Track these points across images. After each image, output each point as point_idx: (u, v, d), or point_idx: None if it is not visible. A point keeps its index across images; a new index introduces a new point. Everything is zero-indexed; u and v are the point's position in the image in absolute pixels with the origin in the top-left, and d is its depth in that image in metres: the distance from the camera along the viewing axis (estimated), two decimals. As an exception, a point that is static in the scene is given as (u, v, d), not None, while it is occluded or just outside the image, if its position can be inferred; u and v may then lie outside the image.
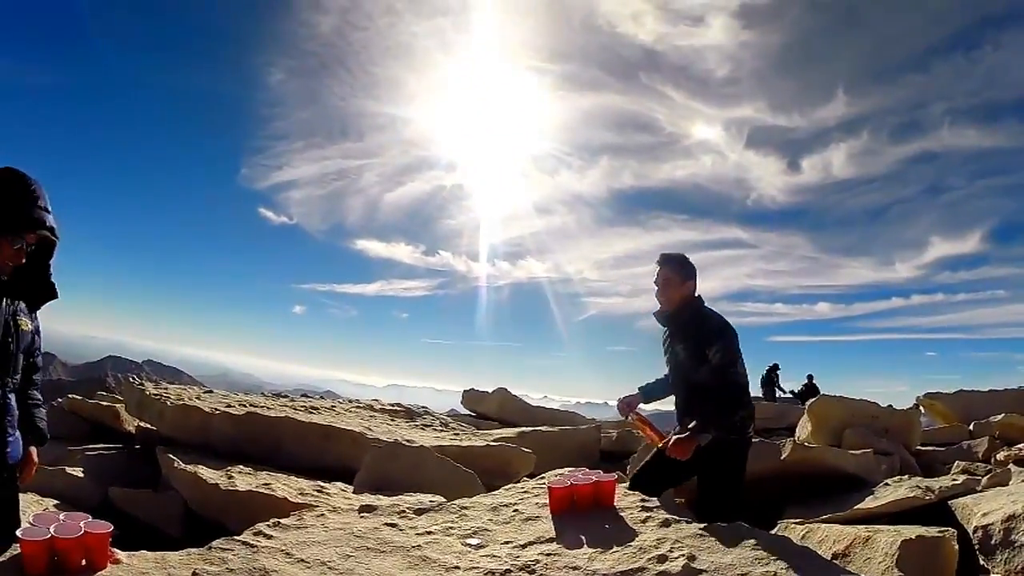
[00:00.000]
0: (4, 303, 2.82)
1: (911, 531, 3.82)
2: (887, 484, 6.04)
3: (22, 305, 2.93)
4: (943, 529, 4.06)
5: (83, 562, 2.86)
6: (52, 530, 2.80)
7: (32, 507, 5.85)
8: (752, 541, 3.11)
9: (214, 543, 3.32)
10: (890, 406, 10.96)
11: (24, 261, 2.82)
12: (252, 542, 3.33)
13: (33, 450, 3.06)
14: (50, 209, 2.84)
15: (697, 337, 4.20)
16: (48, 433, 3.20)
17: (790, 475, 6.52)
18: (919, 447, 11.07)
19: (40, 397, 3.14)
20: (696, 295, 4.37)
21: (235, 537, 3.40)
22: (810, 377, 22.95)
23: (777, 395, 23.33)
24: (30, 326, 2.96)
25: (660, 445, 4.59)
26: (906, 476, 6.43)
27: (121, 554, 3.05)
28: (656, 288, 4.39)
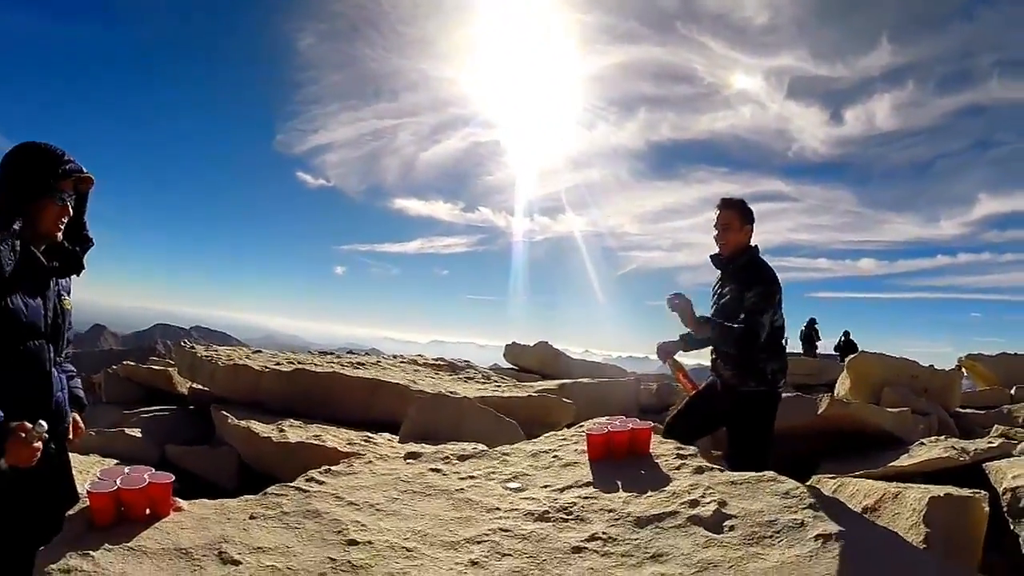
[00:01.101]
0: (52, 286, 2.95)
1: (941, 490, 3.84)
2: (922, 443, 6.06)
3: (64, 283, 3.07)
4: (975, 491, 4.05)
5: (147, 511, 3.02)
6: (118, 482, 2.95)
7: (95, 466, 6.17)
8: (783, 489, 3.21)
9: (269, 489, 3.49)
10: (931, 366, 10.88)
11: (72, 213, 2.95)
12: (304, 487, 3.51)
13: (78, 416, 3.20)
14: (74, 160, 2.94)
15: (744, 282, 4.29)
16: (86, 401, 3.34)
17: (827, 430, 6.58)
18: (958, 409, 10.98)
19: (74, 368, 3.27)
20: (753, 244, 4.46)
21: (288, 484, 3.57)
22: (846, 333, 22.88)
23: (817, 350, 23.26)
24: (71, 304, 3.11)
25: (693, 393, 4.72)
26: (943, 437, 6.44)
27: (182, 502, 3.20)
28: (715, 232, 4.47)
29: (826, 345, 24.03)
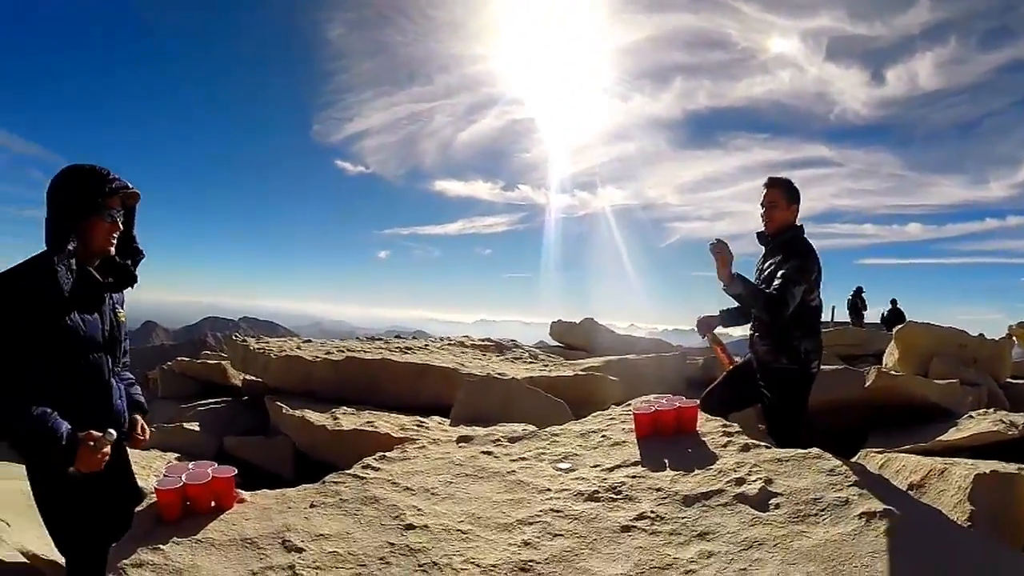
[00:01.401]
0: (107, 300, 3.08)
1: (988, 466, 3.80)
2: (971, 416, 6.00)
3: (117, 296, 3.18)
4: (1021, 466, 4.01)
5: (212, 504, 3.18)
6: (183, 478, 3.11)
7: (157, 461, 6.41)
8: (828, 467, 3.26)
9: (327, 478, 3.63)
10: (981, 335, 10.68)
11: (121, 228, 3.09)
12: (361, 474, 3.64)
13: (139, 418, 3.32)
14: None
15: (784, 257, 4.31)
16: (146, 406, 3.48)
17: (875, 403, 6.55)
18: (1009, 379, 10.73)
19: (132, 376, 3.41)
20: (798, 223, 4.47)
21: (346, 471, 3.70)
22: (894, 302, 22.47)
23: (864, 318, 23.00)
24: (126, 315, 3.24)
25: (730, 368, 4.78)
26: (991, 409, 6.37)
27: (245, 494, 3.35)
28: (761, 209, 4.49)
29: (873, 314, 23.76)
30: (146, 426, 3.34)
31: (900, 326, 10.40)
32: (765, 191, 4.45)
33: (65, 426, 2.73)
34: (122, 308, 3.23)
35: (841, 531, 2.71)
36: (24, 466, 2.95)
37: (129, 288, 3.26)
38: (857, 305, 23.03)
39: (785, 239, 4.39)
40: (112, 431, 2.86)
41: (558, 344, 18.47)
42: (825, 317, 16.86)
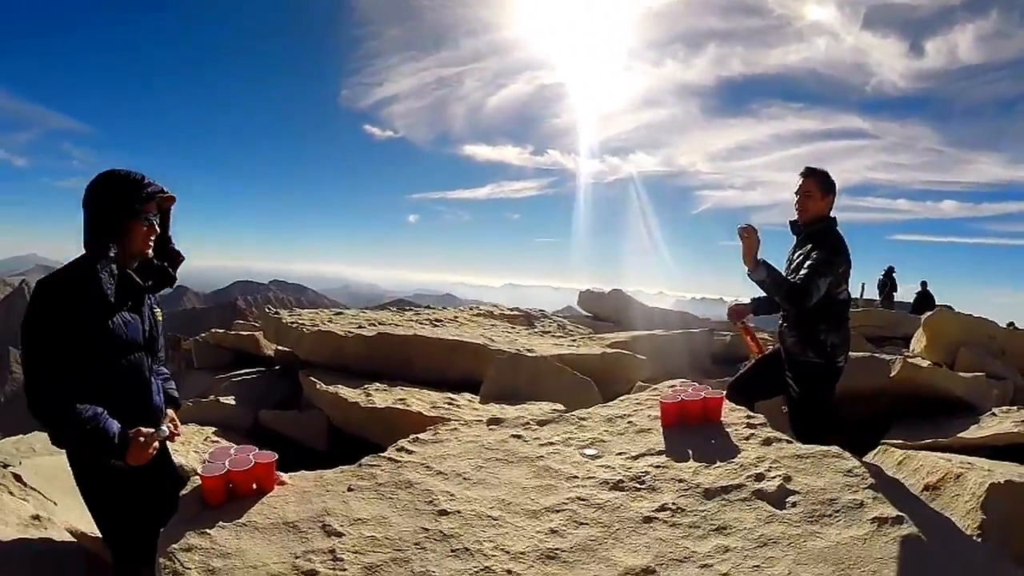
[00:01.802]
0: (147, 301, 3.25)
1: (1005, 472, 3.78)
2: (994, 414, 6.00)
3: (154, 296, 3.38)
4: None
5: (253, 486, 3.36)
6: (227, 464, 3.30)
7: (195, 436, 6.63)
8: (846, 467, 3.36)
9: (363, 460, 3.78)
10: (1011, 324, 10.58)
11: (158, 230, 3.23)
12: (395, 457, 3.79)
13: (174, 414, 3.51)
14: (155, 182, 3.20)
15: (815, 249, 4.34)
16: (180, 401, 3.71)
17: (899, 393, 6.59)
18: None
19: (167, 371, 3.59)
20: (832, 215, 4.51)
21: (380, 454, 3.85)
22: (924, 284, 21.95)
23: (894, 298, 22.78)
24: (162, 315, 3.42)
25: (758, 356, 4.89)
26: (1015, 408, 6.36)
27: (285, 476, 3.54)
28: (796, 198, 4.53)
29: (905, 292, 23.47)
30: (177, 421, 3.53)
31: (929, 313, 10.34)
32: (801, 180, 4.49)
33: (116, 425, 2.93)
34: (158, 307, 3.41)
35: (853, 534, 2.83)
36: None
37: (168, 289, 3.45)
38: (887, 285, 22.78)
39: (816, 230, 4.43)
40: (164, 429, 3.13)
41: (587, 314, 18.61)
42: (854, 294, 16.76)
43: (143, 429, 3.00)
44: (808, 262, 4.25)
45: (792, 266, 4.52)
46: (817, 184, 4.43)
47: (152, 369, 3.30)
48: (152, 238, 3.19)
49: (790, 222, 4.64)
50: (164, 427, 3.14)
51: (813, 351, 4.40)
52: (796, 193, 4.52)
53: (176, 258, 3.41)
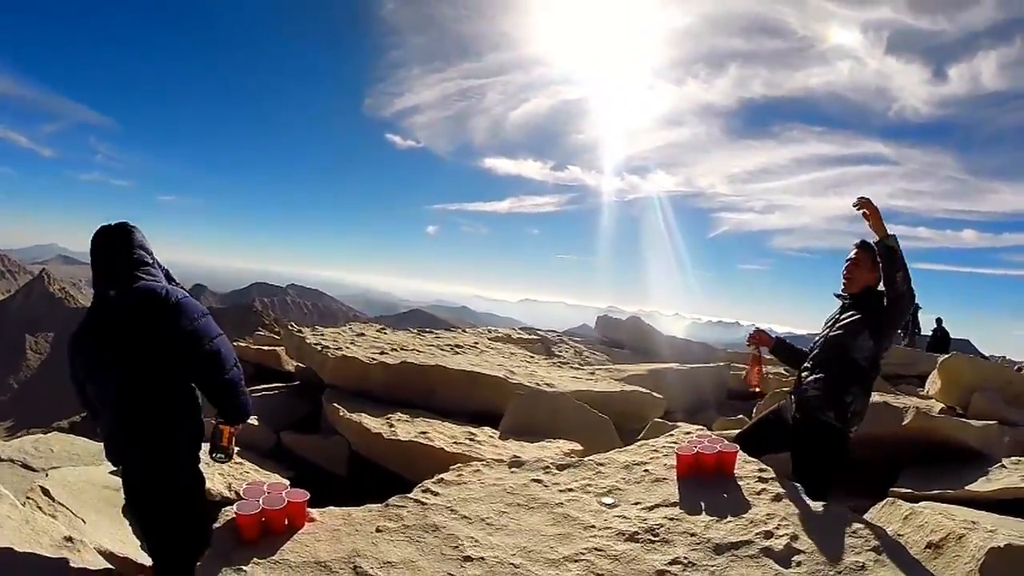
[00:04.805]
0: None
1: (1008, 532, 3.82)
2: (1003, 466, 6.05)
3: None
4: None
5: (285, 522, 3.61)
6: (261, 502, 3.56)
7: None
8: (851, 528, 3.50)
9: (390, 501, 3.98)
10: (1024, 368, 10.60)
11: None
12: (422, 499, 3.99)
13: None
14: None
15: (873, 311, 4.39)
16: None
17: (911, 440, 6.66)
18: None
19: None
20: (879, 288, 4.49)
21: (407, 495, 4.04)
22: (939, 321, 22.03)
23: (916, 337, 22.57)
24: None
25: (752, 389, 4.96)
26: None
27: (315, 512, 3.78)
28: (845, 265, 4.59)
29: (925, 320, 23.15)
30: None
31: (945, 357, 10.38)
32: (855, 252, 4.56)
33: None
34: None
35: (852, 598, 2.99)
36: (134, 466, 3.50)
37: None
38: (908, 325, 22.58)
39: (870, 298, 4.48)
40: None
41: (603, 339, 18.77)
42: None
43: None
44: (893, 289, 4.28)
45: (838, 325, 4.54)
46: (869, 258, 4.48)
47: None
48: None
49: (836, 294, 4.69)
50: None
51: (834, 413, 4.36)
52: (846, 260, 4.60)
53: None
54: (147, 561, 3.79)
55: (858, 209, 4.31)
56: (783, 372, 10.25)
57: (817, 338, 4.73)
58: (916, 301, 4.31)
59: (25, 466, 5.85)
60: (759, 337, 4.99)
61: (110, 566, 4.41)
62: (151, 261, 3.53)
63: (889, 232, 4.24)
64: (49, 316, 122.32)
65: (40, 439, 6.61)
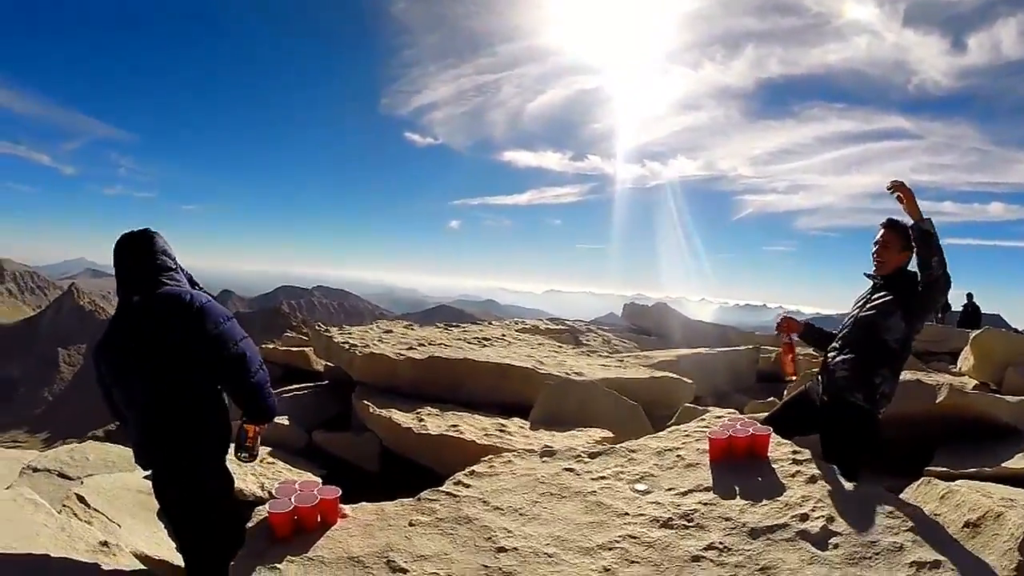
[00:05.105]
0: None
1: None
2: None
3: None
4: None
5: (318, 519, 3.63)
6: (293, 500, 3.58)
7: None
8: (887, 508, 3.45)
9: (422, 494, 3.97)
10: (1062, 336, 10.41)
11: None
12: (454, 492, 3.99)
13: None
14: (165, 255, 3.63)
15: (906, 292, 4.31)
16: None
17: (945, 418, 6.58)
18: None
19: None
20: (911, 267, 4.42)
21: (439, 488, 4.04)
22: (970, 296, 21.70)
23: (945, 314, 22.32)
24: None
25: (788, 377, 4.89)
26: None
27: (347, 509, 3.79)
28: (874, 247, 4.52)
29: (955, 295, 22.83)
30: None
31: (977, 332, 10.22)
32: (883, 232, 4.49)
33: None
34: None
35: (891, 579, 2.95)
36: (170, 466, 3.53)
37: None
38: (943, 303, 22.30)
39: (899, 281, 4.41)
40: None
41: (631, 326, 18.73)
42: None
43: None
44: (927, 276, 4.18)
45: (868, 306, 4.48)
46: (899, 238, 4.40)
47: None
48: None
49: (867, 274, 4.61)
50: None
51: (863, 394, 4.32)
52: (875, 243, 4.53)
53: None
54: (182, 563, 3.83)
55: (892, 193, 4.23)
56: (811, 353, 10.18)
57: (847, 318, 4.67)
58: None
59: (62, 475, 5.93)
60: (788, 324, 4.94)
61: (144, 567, 4.47)
62: (174, 266, 3.56)
63: (924, 216, 4.15)
64: (80, 329, 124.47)
65: (76, 448, 6.68)
